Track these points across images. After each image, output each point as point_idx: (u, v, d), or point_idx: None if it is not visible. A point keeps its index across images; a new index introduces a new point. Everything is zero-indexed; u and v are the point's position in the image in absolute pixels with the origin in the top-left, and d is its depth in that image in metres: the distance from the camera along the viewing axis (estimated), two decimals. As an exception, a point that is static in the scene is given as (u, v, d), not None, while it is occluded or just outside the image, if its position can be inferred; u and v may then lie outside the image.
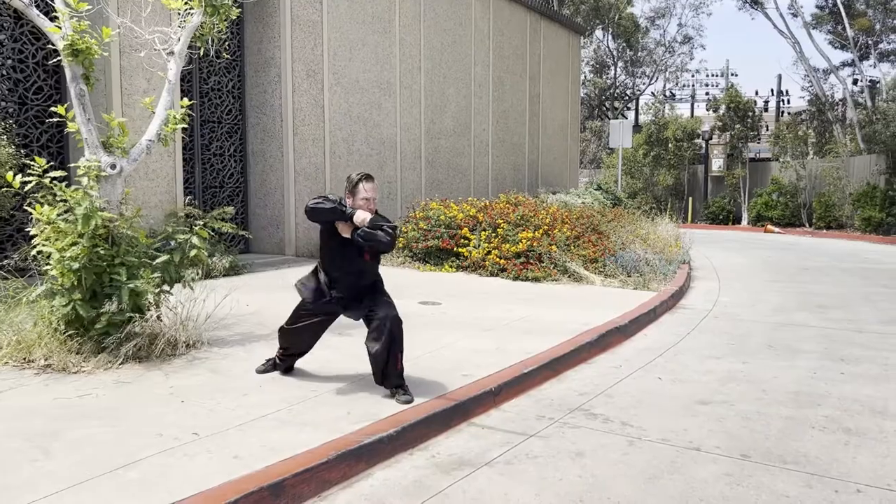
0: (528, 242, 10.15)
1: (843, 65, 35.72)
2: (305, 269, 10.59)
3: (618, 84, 42.95)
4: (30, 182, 5.36)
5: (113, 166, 5.33)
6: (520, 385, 5.24)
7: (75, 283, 5.16)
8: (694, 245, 16.16)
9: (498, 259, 10.14)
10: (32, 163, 5.42)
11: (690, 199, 28.45)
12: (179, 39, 5.83)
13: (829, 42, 34.90)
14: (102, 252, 5.25)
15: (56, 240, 5.19)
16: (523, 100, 19.57)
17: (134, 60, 9.37)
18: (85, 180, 5.21)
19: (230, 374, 5.08)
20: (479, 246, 10.42)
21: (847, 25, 30.35)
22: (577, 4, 39.70)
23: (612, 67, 42.42)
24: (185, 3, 5.76)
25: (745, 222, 26.30)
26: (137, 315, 5.35)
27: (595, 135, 37.59)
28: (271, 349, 5.80)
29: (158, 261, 5.41)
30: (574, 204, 16.65)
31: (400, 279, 9.75)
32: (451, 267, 10.55)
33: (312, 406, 4.42)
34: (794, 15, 32.39)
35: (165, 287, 5.69)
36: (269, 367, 5.17)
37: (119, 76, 9.18)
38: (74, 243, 5.11)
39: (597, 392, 5.32)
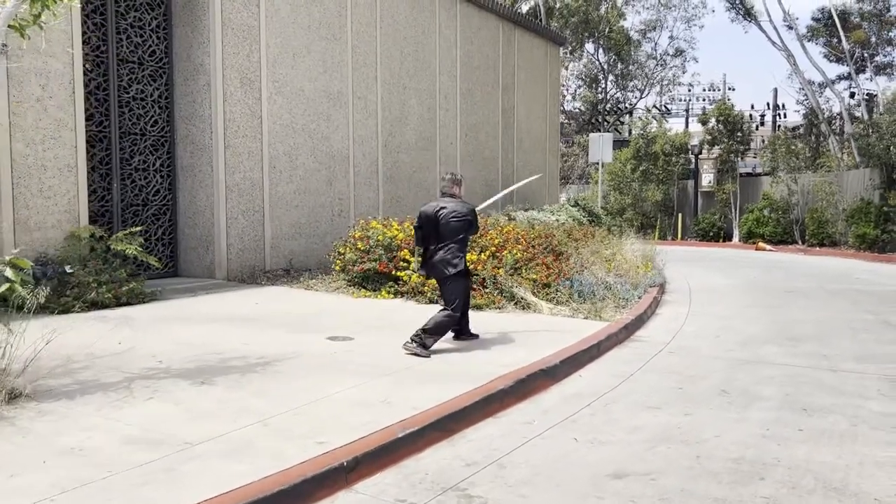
0: (471, 266, 9.13)
1: (840, 78, 34.79)
2: (232, 295, 9.65)
3: (609, 98, 42.06)
4: None
5: None
6: (391, 454, 4.20)
7: None
8: (677, 264, 15.19)
9: (438, 284, 9.11)
10: None
11: (680, 215, 27.43)
12: (-8, 29, 4.84)
13: (824, 55, 34.03)
14: None
15: None
16: (496, 112, 18.62)
17: (26, 64, 8.43)
18: None
19: (22, 442, 4.05)
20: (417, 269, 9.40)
21: (843, 38, 29.45)
22: (565, 17, 38.92)
23: (603, 81, 41.55)
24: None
25: (736, 239, 25.25)
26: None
27: (584, 149, 36.65)
28: (109, 401, 4.79)
29: (-55, 298, 4.39)
30: (546, 221, 15.65)
31: (321, 307, 8.74)
32: (388, 293, 9.53)
33: (86, 495, 3.39)
34: (790, 27, 31.48)
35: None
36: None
37: (6, 82, 8.22)
38: None
39: (489, 461, 4.28)
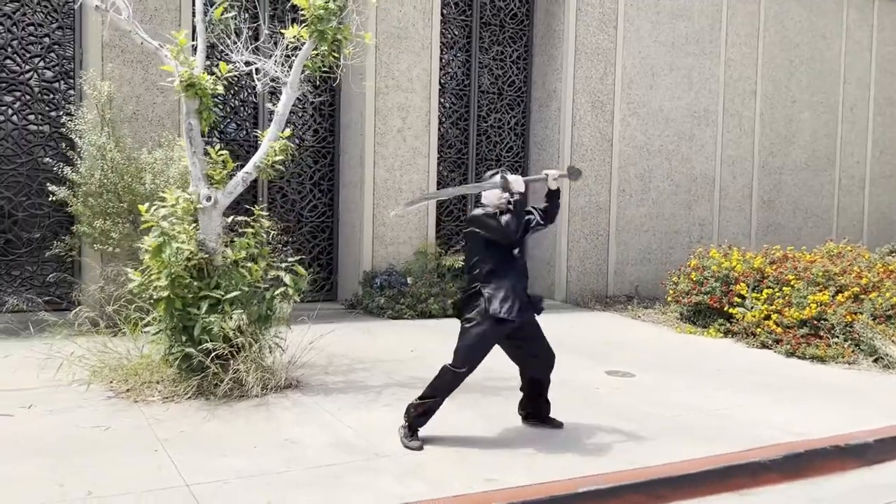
0: (818, 308, 7.59)
1: None
2: (556, 318, 9.65)
3: None
4: (162, 212, 5.66)
5: (209, 198, 5.36)
6: (564, 508, 3.72)
7: (166, 315, 5.30)
8: None
9: (775, 327, 7.78)
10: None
11: None
12: (291, 70, 5.63)
13: None
14: (197, 284, 5.29)
15: (156, 270, 5.38)
16: (928, 124, 15.21)
17: (389, 101, 9.67)
18: (163, 211, 5.31)
19: (259, 427, 4.62)
20: (752, 307, 8.15)
21: None
22: None
23: None
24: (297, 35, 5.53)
25: None
26: (223, 349, 5.24)
27: None
28: (353, 403, 5.21)
29: (229, 295, 5.21)
30: None
31: (630, 337, 8.18)
32: (717, 331, 8.46)
33: (250, 485, 3.71)
34: None
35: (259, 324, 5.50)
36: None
37: (373, 117, 9.54)
38: (162, 272, 5.24)
39: (681, 545, 3.49)
